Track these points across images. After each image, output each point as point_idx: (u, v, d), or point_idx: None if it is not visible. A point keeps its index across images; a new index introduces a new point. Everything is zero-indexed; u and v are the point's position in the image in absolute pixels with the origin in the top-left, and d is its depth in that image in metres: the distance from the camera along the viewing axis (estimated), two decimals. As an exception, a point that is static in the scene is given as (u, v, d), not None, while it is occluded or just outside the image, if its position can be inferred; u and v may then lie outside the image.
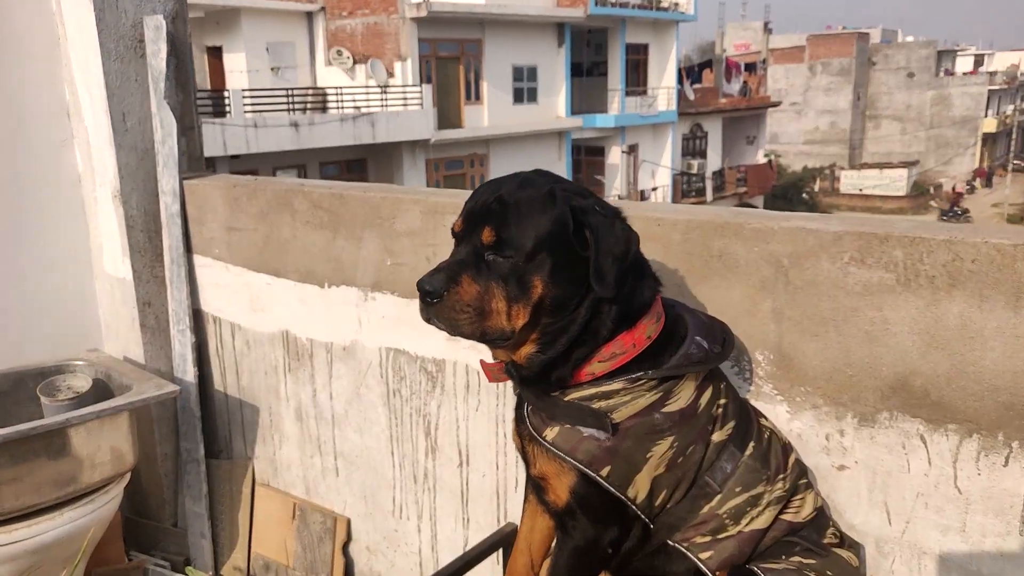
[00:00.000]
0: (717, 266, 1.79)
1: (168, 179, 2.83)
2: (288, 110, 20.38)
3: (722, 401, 1.60)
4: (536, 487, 1.65)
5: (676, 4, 28.66)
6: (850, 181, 43.96)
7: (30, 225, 2.88)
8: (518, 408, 1.66)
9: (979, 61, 55.08)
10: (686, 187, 30.13)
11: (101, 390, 2.72)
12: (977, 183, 46.75)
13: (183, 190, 2.86)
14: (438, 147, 22.94)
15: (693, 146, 31.24)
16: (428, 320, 1.44)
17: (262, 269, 2.72)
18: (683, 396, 1.54)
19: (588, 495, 1.54)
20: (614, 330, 1.49)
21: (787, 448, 1.67)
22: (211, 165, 18.54)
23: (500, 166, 25.02)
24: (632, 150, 28.05)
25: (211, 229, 2.84)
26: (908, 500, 1.64)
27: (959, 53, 55.45)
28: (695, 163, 30.52)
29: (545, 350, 1.49)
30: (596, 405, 1.50)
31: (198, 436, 2.94)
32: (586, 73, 27.83)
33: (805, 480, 1.65)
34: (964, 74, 50.07)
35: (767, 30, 41.57)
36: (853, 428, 1.67)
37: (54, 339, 2.96)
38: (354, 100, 21.54)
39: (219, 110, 19.18)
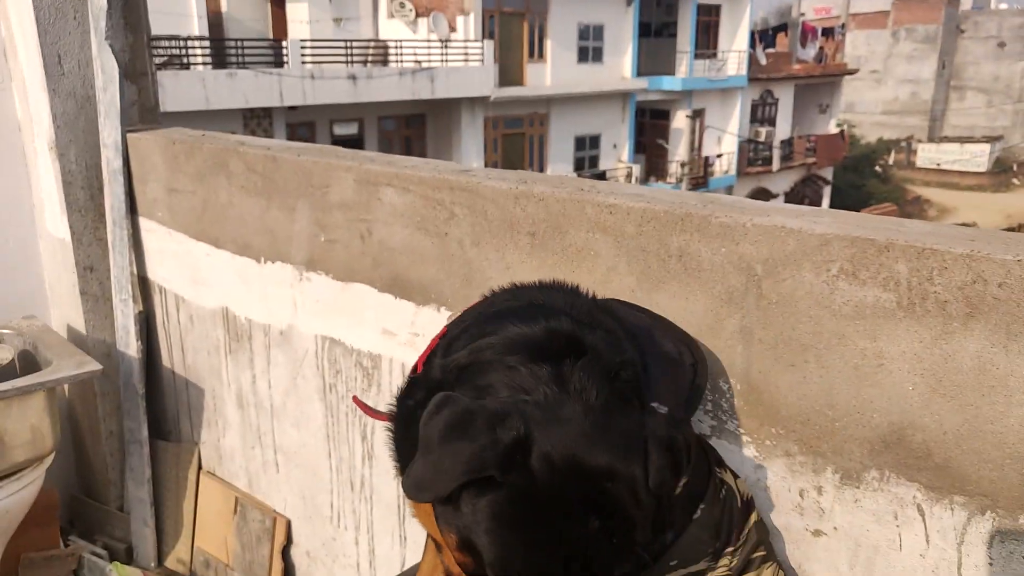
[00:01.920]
0: (676, 268, 1.41)
1: (110, 131, 2.55)
2: (347, 62, 20.14)
3: None
4: (434, 540, 1.33)
5: (752, -37, 27.38)
6: (927, 155, 41.86)
7: (-35, 177, 2.64)
8: None
9: (1078, 31, 51.51)
10: (752, 155, 29.01)
11: (27, 363, 2.48)
12: (1067, 162, 44.07)
13: (126, 144, 2.57)
14: (498, 105, 22.48)
15: (762, 113, 30.00)
16: None
17: (201, 237, 2.43)
18: None
19: None
20: None
21: (747, 507, 1.30)
22: (268, 116, 18.68)
23: (561, 126, 24.49)
24: (698, 115, 27.07)
25: (154, 189, 2.56)
26: (899, 585, 1.26)
27: (1057, 22, 51.94)
28: (763, 131, 29.31)
29: None
30: None
31: (141, 415, 2.70)
32: (654, 33, 26.85)
33: (763, 552, 1.28)
34: (1061, 45, 46.93)
35: (850, -7, 39.52)
36: (834, 486, 1.30)
37: (-6, 302, 2.74)
38: (415, 54, 21.17)
39: (278, 60, 19.05)
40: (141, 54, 2.65)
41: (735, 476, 1.33)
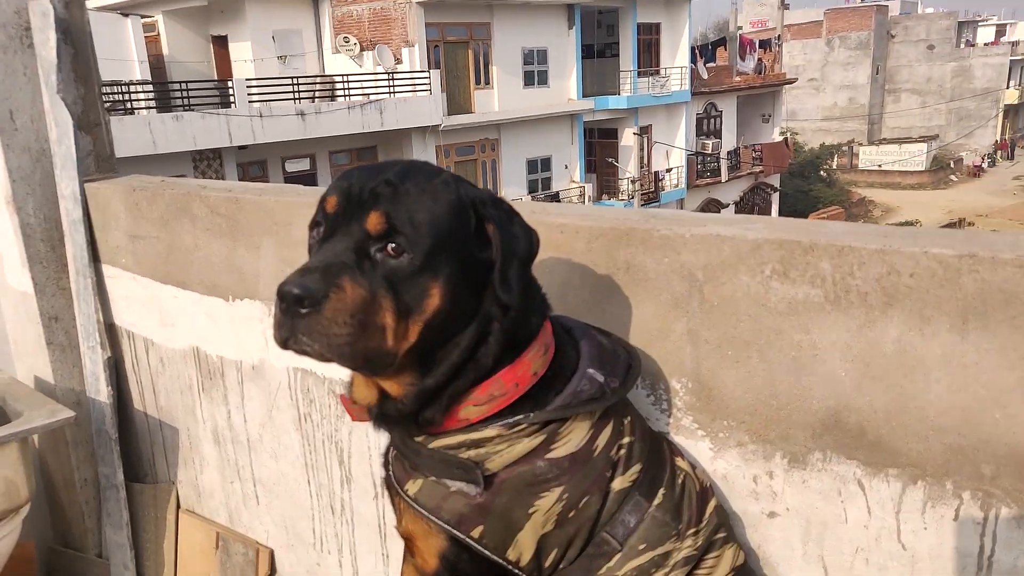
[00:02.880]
0: (625, 280, 1.52)
1: (67, 182, 2.59)
2: (295, 99, 20.16)
3: (625, 440, 1.34)
4: (407, 547, 1.41)
5: (687, -19, 28.09)
6: (868, 157, 43.13)
7: (-76, 236, 2.65)
8: (385, 451, 1.41)
9: (1001, 31, 53.69)
10: (701, 167, 29.61)
11: (-2, 415, 2.50)
12: (999, 156, 45.68)
13: (85, 194, 2.62)
14: (448, 133, 22.67)
15: (708, 126, 30.68)
16: (286, 342, 1.09)
17: (168, 281, 2.48)
18: (574, 438, 1.28)
19: (460, 561, 1.29)
20: (500, 359, 1.23)
21: (705, 493, 1.41)
22: (218, 156, 18.48)
23: (512, 150, 24.76)
24: (645, 131, 27.58)
25: (116, 237, 2.61)
26: (847, 555, 1.37)
27: (980, 24, 54.09)
28: (709, 143, 29.96)
29: (425, 380, 1.20)
30: (465, 454, 1.25)
31: (115, 460, 2.72)
32: (597, 55, 27.38)
33: (723, 534, 1.38)
34: (985, 45, 48.84)
35: (783, 6, 40.66)
36: (783, 470, 1.41)
37: (-40, 358, 2.75)
38: (362, 87, 21.28)
39: (225, 101, 19.00)
40: (93, 105, 2.70)
41: (693, 466, 1.44)
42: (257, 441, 2.42)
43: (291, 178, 21.41)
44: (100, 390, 2.70)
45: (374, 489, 2.13)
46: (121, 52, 18.72)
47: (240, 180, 19.91)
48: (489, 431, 1.24)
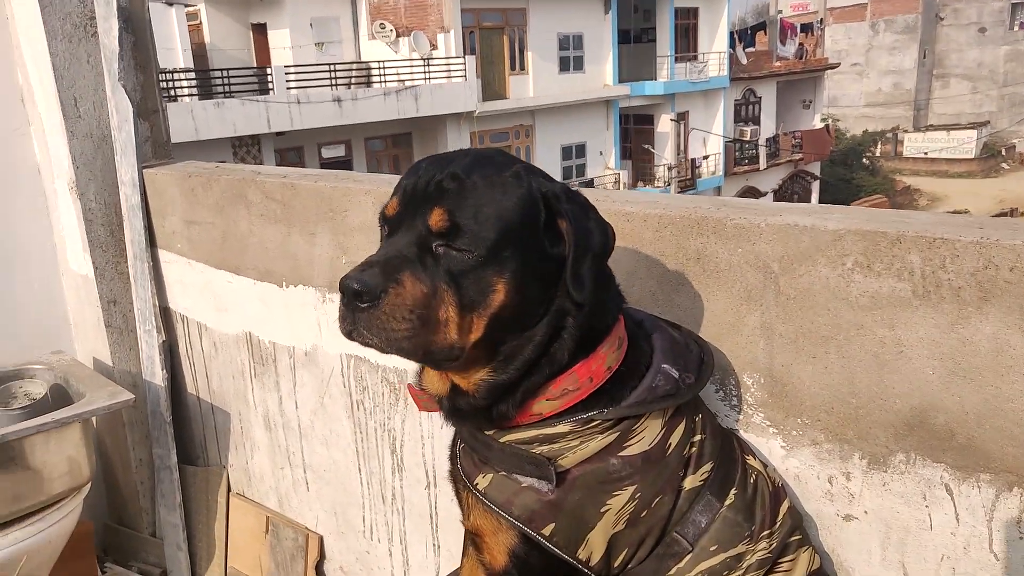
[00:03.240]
0: (695, 270, 1.48)
1: (127, 168, 2.61)
2: (331, 85, 20.26)
3: (697, 438, 1.31)
4: (472, 542, 1.38)
5: (728, -36, 27.66)
6: (914, 144, 42.14)
7: (-12, 220, 2.70)
8: (452, 444, 1.39)
9: (1056, 13, 51.99)
10: (739, 154, 29.19)
11: (59, 396, 2.53)
12: (1053, 144, 44.38)
13: (143, 180, 2.64)
14: (483, 119, 22.61)
15: (746, 112, 30.22)
16: (351, 334, 1.10)
17: (222, 266, 2.49)
18: (647, 435, 1.25)
19: (529, 558, 1.26)
20: (574, 354, 1.21)
21: (778, 494, 1.37)
22: (256, 142, 18.67)
23: (546, 136, 24.64)
24: (682, 118, 27.26)
25: (172, 223, 2.62)
26: (931, 563, 1.32)
27: (1034, 6, 52.43)
28: (748, 130, 29.50)
29: (497, 375, 1.18)
30: (537, 450, 1.22)
31: (169, 442, 2.75)
32: (634, 40, 27.05)
33: (798, 536, 1.34)
34: (1040, 28, 47.38)
35: (826, -12, 39.86)
36: (861, 471, 1.36)
37: (21, 340, 2.79)
38: (397, 74, 21.31)
39: (263, 87, 19.16)
40: (151, 92, 2.72)
41: (764, 465, 1.40)
42: (308, 427, 2.42)
43: (326, 164, 21.55)
44: (155, 373, 2.72)
45: (426, 479, 2.12)
46: (165, 40, 18.95)
47: (277, 165, 20.08)
48: (562, 427, 1.21)
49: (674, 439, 1.27)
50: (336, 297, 2.15)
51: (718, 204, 1.51)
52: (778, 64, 30.85)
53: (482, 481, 1.27)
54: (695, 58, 27.48)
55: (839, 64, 37.22)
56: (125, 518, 2.99)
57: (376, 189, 1.98)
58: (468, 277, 1.11)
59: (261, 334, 2.46)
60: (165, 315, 2.77)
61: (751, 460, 1.38)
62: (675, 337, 1.35)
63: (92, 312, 2.74)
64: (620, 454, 1.22)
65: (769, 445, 1.46)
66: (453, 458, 1.38)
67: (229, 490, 2.79)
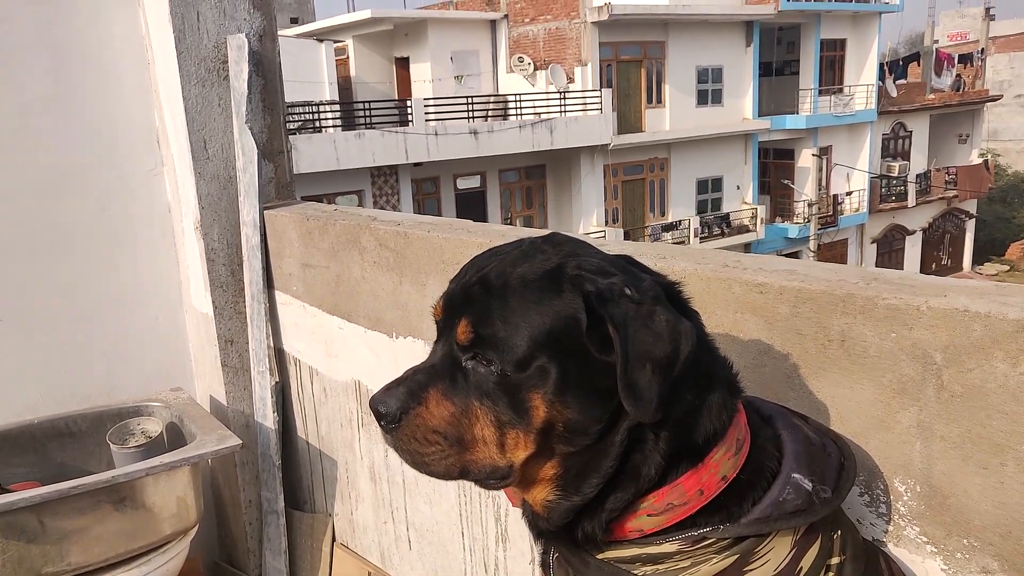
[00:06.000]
0: (838, 354, 1.27)
1: (249, 209, 2.64)
2: (468, 118, 20.72)
3: (835, 561, 1.10)
4: None
5: (878, -6, 26.51)
6: (1087, 183, 38.64)
7: (121, 257, 2.79)
8: (544, 552, 1.24)
9: None
10: (885, 191, 27.69)
11: (174, 435, 2.57)
12: None
13: (263, 221, 2.66)
14: (617, 152, 22.52)
15: (894, 147, 28.66)
16: (395, 449, 1.07)
17: (335, 311, 2.46)
18: (773, 558, 1.05)
19: None
20: (666, 466, 1.04)
21: (934, 629, 1.14)
22: (394, 172, 19.34)
23: (682, 169, 24.26)
24: (824, 152, 26.15)
25: (289, 264, 2.62)
26: None
27: None
28: (896, 165, 27.96)
29: (568, 494, 1.05)
30: (640, 571, 1.06)
31: (278, 486, 2.73)
32: (776, 72, 26.34)
33: None
34: None
35: (988, 16, 37.42)
36: (1044, 612, 1.12)
37: (145, 374, 2.87)
38: (534, 106, 21.56)
39: (403, 119, 19.82)
40: (278, 133, 2.75)
41: (921, 592, 1.17)
42: (412, 483, 2.33)
43: (461, 194, 22.00)
44: (267, 415, 2.72)
45: (531, 553, 1.98)
46: (314, 75, 20.03)
47: (414, 195, 20.67)
48: (668, 546, 1.04)
49: (806, 562, 1.07)
50: (443, 352, 2.06)
51: (868, 278, 1.31)
52: (932, 97, 29.15)
53: None
54: (840, 91, 26.39)
55: (1001, 96, 34.80)
56: (234, 558, 3.00)
57: (489, 242, 1.87)
58: (501, 393, 1.01)
59: (370, 383, 2.40)
60: (279, 357, 2.78)
61: (904, 585, 1.17)
62: (810, 437, 1.15)
63: (211, 350, 2.78)
64: (742, 579, 1.04)
65: (926, 565, 1.23)
66: (545, 565, 1.23)
67: (334, 539, 2.74)
